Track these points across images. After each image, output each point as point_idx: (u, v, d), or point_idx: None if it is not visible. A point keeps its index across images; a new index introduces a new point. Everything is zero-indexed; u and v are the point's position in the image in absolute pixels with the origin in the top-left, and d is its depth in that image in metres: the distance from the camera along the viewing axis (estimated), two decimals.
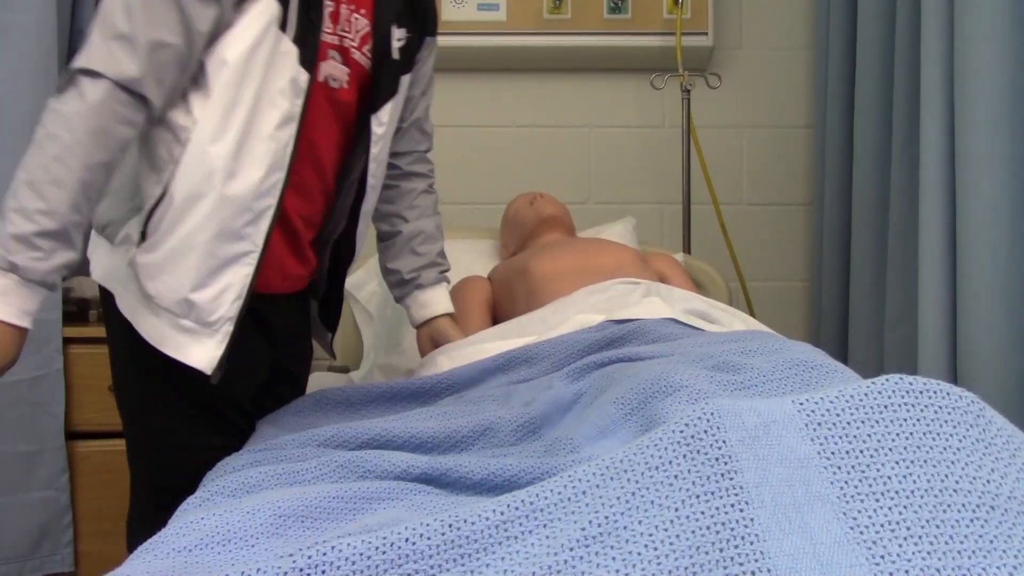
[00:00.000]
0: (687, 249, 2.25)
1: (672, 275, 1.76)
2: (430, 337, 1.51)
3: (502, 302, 1.72)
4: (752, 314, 2.29)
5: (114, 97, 1.02)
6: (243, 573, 0.59)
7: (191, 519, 0.75)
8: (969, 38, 1.49)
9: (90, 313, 1.98)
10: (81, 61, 1.02)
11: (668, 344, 1.21)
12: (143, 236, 1.10)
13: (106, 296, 1.21)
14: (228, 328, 1.12)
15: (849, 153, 2.12)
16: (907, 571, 0.59)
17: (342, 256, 1.38)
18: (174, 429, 1.21)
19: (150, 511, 1.21)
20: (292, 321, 1.36)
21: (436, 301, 1.49)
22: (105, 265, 1.19)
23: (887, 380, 0.71)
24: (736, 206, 2.41)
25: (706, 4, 2.27)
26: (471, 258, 2.04)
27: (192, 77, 1.10)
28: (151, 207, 1.10)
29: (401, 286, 1.50)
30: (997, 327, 1.47)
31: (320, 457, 0.94)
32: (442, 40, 2.26)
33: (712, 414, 0.68)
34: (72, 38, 2.03)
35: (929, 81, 1.61)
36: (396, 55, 1.29)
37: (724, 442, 0.66)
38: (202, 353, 1.11)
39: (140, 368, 1.19)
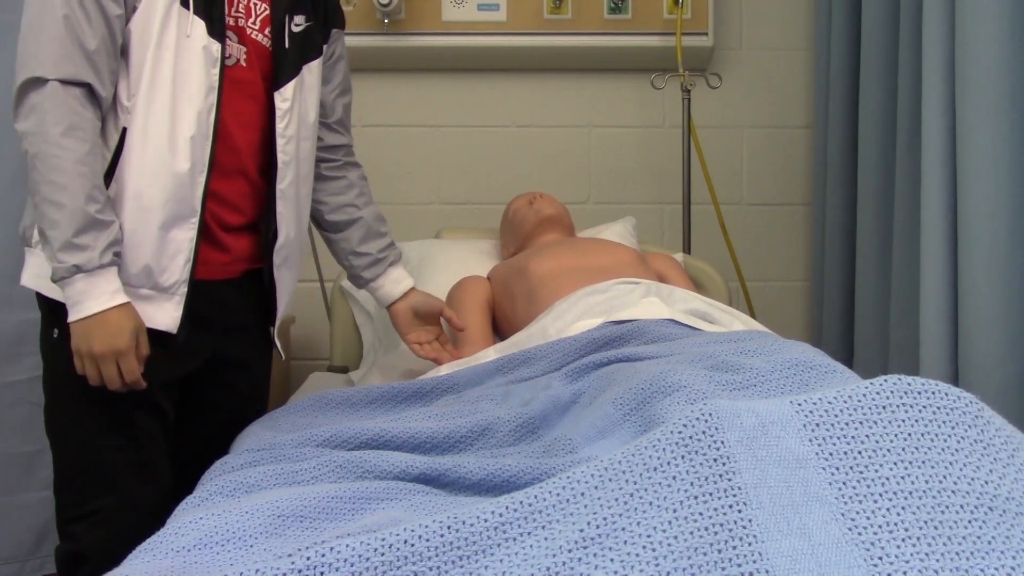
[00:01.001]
0: (687, 249, 2.25)
1: (671, 275, 1.76)
2: (412, 308, 1.54)
3: (501, 302, 1.72)
4: (752, 314, 2.29)
5: (65, 93, 1.11)
6: (241, 574, 0.59)
7: (190, 519, 0.75)
8: (970, 38, 1.49)
9: None
10: (24, 74, 1.11)
11: (667, 344, 1.21)
12: None
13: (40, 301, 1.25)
14: (183, 290, 1.21)
15: (852, 153, 2.12)
16: (905, 572, 0.59)
17: (268, 241, 1.38)
18: (75, 423, 1.24)
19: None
20: (233, 309, 1.37)
21: (405, 276, 1.57)
22: (34, 271, 1.22)
23: (885, 380, 0.71)
24: (736, 206, 2.41)
25: (706, 4, 2.27)
26: (471, 258, 2.04)
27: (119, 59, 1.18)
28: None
29: (374, 266, 1.54)
30: (998, 326, 1.47)
31: (319, 457, 0.94)
32: (442, 40, 2.29)
33: (710, 415, 0.68)
34: None
35: (931, 81, 1.61)
36: (295, 38, 1.36)
37: (722, 443, 0.66)
38: (164, 315, 1.20)
39: (57, 364, 1.22)
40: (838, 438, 0.67)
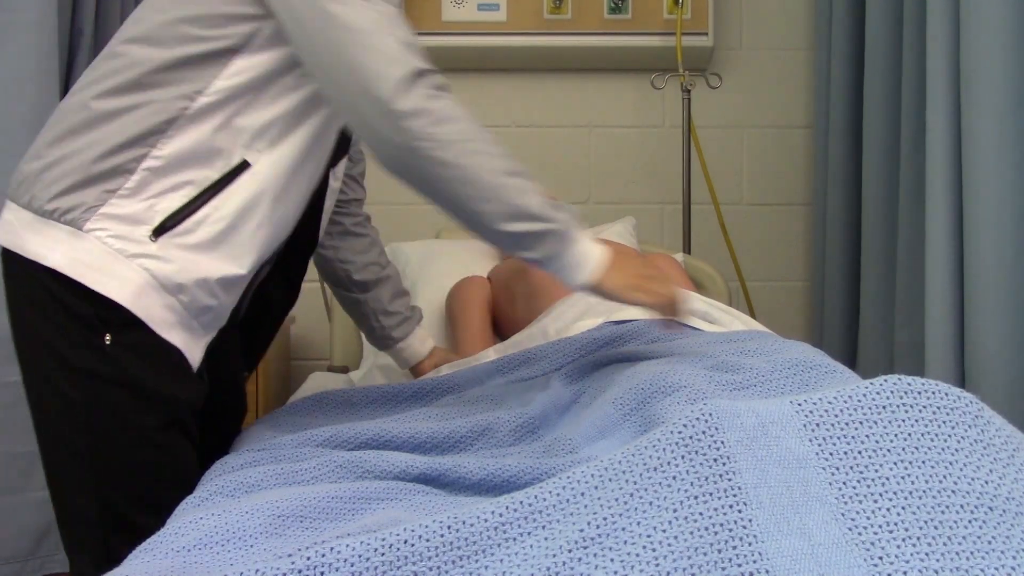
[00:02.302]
0: (687, 249, 2.25)
1: (671, 276, 1.75)
2: (436, 368, 1.51)
3: (501, 303, 1.72)
4: (752, 314, 2.29)
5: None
6: (241, 574, 0.59)
7: (190, 519, 0.75)
8: (975, 36, 1.49)
9: None
10: (412, 66, 1.01)
11: (667, 344, 1.21)
12: (171, 222, 1.04)
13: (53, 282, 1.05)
14: (215, 332, 1.13)
15: (852, 153, 2.12)
16: (905, 572, 0.59)
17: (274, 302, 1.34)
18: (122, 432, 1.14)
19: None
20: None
21: (427, 335, 1.55)
22: (66, 251, 1.03)
23: (886, 380, 0.71)
24: (736, 206, 2.41)
25: (706, 4, 2.27)
26: (471, 258, 2.04)
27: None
28: (196, 198, 1.05)
29: (403, 324, 1.51)
30: (1005, 327, 1.46)
31: (319, 457, 0.94)
32: (442, 40, 2.28)
33: (710, 415, 0.68)
34: (72, 38, 2.03)
35: (935, 81, 1.61)
36: None
37: (722, 443, 0.66)
38: (187, 342, 1.09)
39: (103, 371, 1.07)
40: (838, 438, 0.67)
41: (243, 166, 1.07)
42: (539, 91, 2.42)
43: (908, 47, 1.82)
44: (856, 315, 2.08)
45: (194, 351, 1.10)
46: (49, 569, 1.83)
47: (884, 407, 0.69)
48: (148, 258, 1.03)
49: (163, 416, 1.07)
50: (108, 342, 1.03)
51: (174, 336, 1.06)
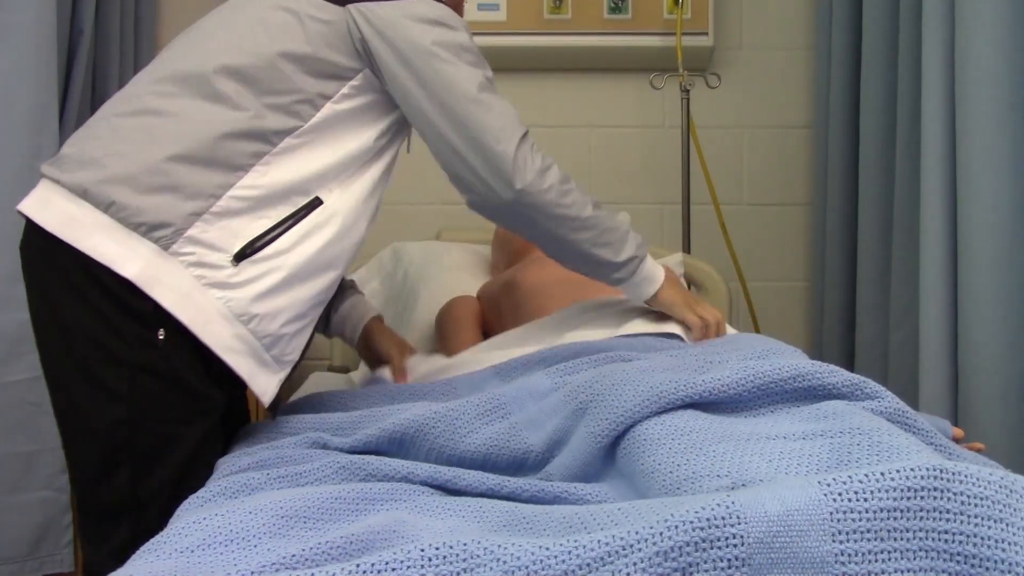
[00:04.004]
0: (687, 249, 2.25)
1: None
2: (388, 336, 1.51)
3: (491, 319, 1.71)
4: (752, 314, 2.29)
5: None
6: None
7: (193, 519, 0.75)
8: (970, 37, 1.49)
9: None
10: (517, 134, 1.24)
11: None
12: (251, 250, 1.11)
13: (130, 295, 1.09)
14: (288, 369, 1.18)
15: (852, 153, 2.12)
16: None
17: None
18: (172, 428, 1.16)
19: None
20: None
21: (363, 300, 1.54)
22: (146, 267, 1.08)
23: (929, 472, 0.67)
24: (736, 206, 2.41)
25: (706, 4, 2.27)
26: (471, 260, 2.04)
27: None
28: (272, 228, 1.12)
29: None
30: (998, 327, 1.47)
31: (322, 459, 0.94)
32: None
33: (732, 502, 0.65)
34: (72, 38, 2.03)
35: (930, 81, 1.61)
36: None
37: (742, 539, 0.63)
38: (268, 384, 1.16)
39: (157, 366, 1.12)
40: (864, 532, 0.64)
41: (315, 202, 1.16)
42: (539, 91, 2.42)
43: (904, 48, 1.82)
44: (854, 315, 2.09)
45: (260, 382, 1.14)
46: (49, 569, 1.83)
47: (918, 489, 0.66)
48: (225, 288, 1.09)
49: (201, 414, 1.12)
50: (161, 338, 1.08)
51: (240, 363, 1.11)
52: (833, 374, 0.96)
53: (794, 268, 2.44)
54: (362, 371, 1.90)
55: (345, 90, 1.18)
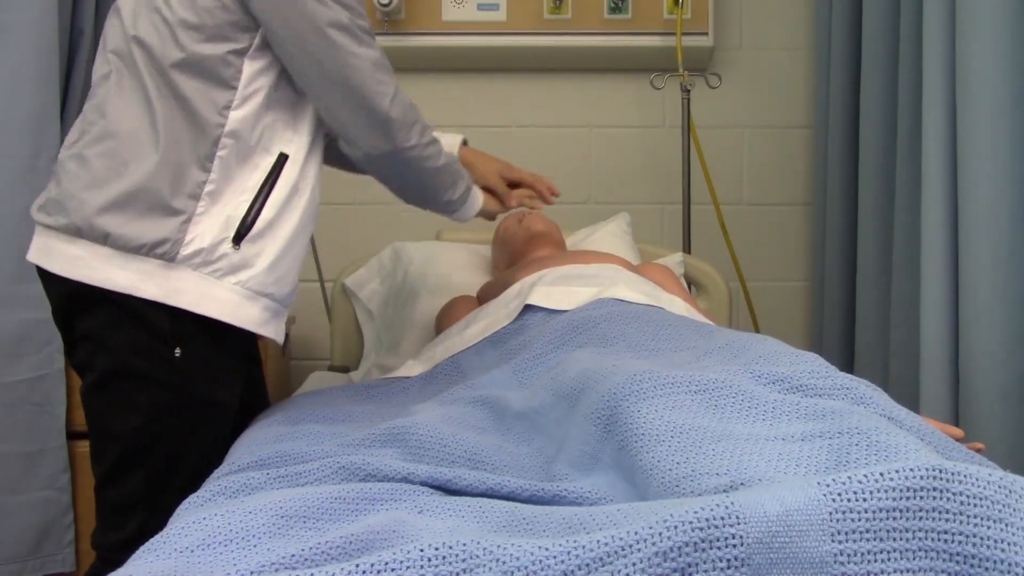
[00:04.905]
0: (687, 249, 2.25)
1: (664, 285, 1.73)
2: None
3: None
4: (752, 314, 2.29)
5: None
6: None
7: (193, 519, 0.75)
8: (971, 37, 1.49)
9: None
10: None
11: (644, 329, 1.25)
12: (246, 229, 1.17)
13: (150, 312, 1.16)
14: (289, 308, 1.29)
15: (852, 153, 2.12)
16: None
17: None
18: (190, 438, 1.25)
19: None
20: None
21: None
22: (161, 283, 1.15)
23: (928, 472, 0.67)
24: (736, 206, 2.41)
25: (706, 4, 2.27)
26: (471, 260, 2.04)
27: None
28: (254, 199, 1.19)
29: None
30: (999, 327, 1.47)
31: (322, 459, 0.94)
32: (442, 40, 2.28)
33: (731, 503, 0.65)
34: (72, 38, 2.03)
35: (931, 81, 1.61)
36: None
37: (741, 539, 0.63)
38: (278, 328, 1.26)
39: (175, 382, 1.20)
40: (863, 532, 0.64)
41: (282, 158, 1.21)
42: (539, 91, 2.42)
43: (904, 47, 1.82)
44: (854, 315, 2.09)
45: (278, 331, 1.26)
46: (50, 569, 1.83)
47: (917, 489, 0.66)
48: (237, 271, 1.17)
49: (211, 423, 1.21)
50: (177, 355, 1.17)
51: (269, 329, 1.23)
52: (825, 378, 0.97)
53: (794, 268, 2.44)
54: (362, 371, 1.91)
55: (255, 47, 1.18)
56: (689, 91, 2.22)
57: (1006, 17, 1.45)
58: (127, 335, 1.15)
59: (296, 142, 1.23)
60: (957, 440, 1.07)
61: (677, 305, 1.46)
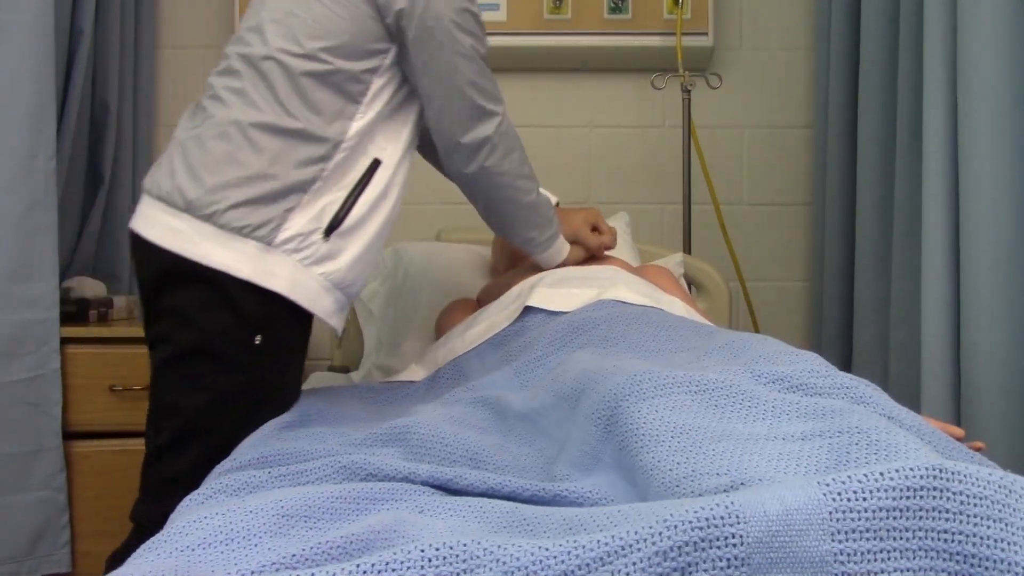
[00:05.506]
0: (687, 249, 2.25)
1: (664, 286, 1.73)
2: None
3: None
4: (752, 314, 2.29)
5: None
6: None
7: (193, 518, 0.75)
8: (971, 37, 1.49)
9: (89, 313, 1.98)
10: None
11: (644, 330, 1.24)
12: (337, 223, 1.25)
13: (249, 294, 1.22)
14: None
15: (852, 153, 2.12)
16: None
17: None
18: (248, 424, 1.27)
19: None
20: None
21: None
22: (258, 265, 1.21)
23: (928, 471, 0.66)
24: (736, 206, 2.41)
25: (706, 4, 2.27)
26: (471, 260, 2.04)
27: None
28: (348, 196, 1.27)
29: None
30: (1001, 327, 1.46)
31: (324, 458, 0.93)
32: None
33: (732, 502, 0.65)
34: (72, 38, 2.03)
35: (931, 81, 1.61)
36: None
37: (741, 538, 0.63)
38: (340, 321, 1.33)
39: (253, 368, 1.25)
40: (863, 532, 0.64)
41: (375, 164, 1.30)
42: (539, 91, 2.42)
43: (904, 47, 1.82)
44: (853, 315, 2.08)
45: (342, 324, 1.34)
46: (47, 569, 1.83)
47: (917, 489, 0.66)
48: (323, 262, 1.25)
49: (271, 412, 1.22)
50: (257, 343, 1.22)
51: (336, 321, 1.31)
52: (825, 377, 0.97)
53: (794, 268, 2.44)
54: (363, 371, 1.90)
55: (385, 66, 1.31)
56: (690, 91, 2.22)
57: (1007, 17, 1.45)
58: (214, 316, 1.20)
59: (390, 150, 1.32)
60: (958, 439, 1.07)
61: (677, 307, 1.46)
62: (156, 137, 2.41)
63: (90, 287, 2.06)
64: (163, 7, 2.41)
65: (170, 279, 1.22)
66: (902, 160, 1.83)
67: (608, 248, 1.66)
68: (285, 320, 1.25)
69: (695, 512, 0.64)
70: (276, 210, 1.21)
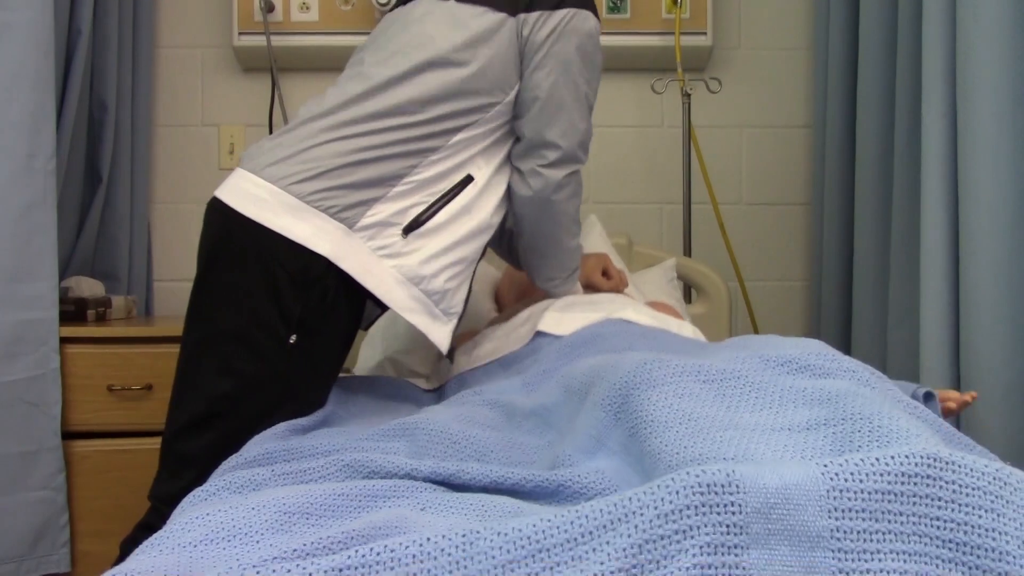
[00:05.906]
0: (687, 249, 2.25)
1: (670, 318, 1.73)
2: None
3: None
4: (751, 314, 2.29)
5: None
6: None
7: (196, 515, 0.75)
8: (970, 38, 1.49)
9: (88, 313, 1.97)
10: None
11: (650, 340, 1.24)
12: (418, 224, 1.29)
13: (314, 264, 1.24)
14: (456, 319, 1.37)
15: (850, 153, 2.12)
16: None
17: None
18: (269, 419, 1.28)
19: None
20: None
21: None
22: (336, 244, 1.25)
23: (923, 459, 0.68)
24: (735, 206, 2.41)
25: (705, 4, 2.27)
26: (481, 274, 2.03)
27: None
28: (433, 203, 1.31)
29: None
30: (1001, 327, 1.47)
31: (328, 455, 0.94)
32: None
33: (732, 471, 0.66)
34: (70, 38, 2.02)
35: (930, 81, 1.61)
36: None
37: (739, 507, 0.65)
38: (442, 335, 1.34)
39: (281, 365, 1.26)
40: (859, 511, 0.65)
41: (467, 179, 1.36)
42: None
43: (903, 46, 1.82)
44: (852, 315, 2.09)
45: (436, 334, 1.33)
46: (46, 569, 1.82)
47: (915, 490, 0.66)
48: (396, 257, 1.28)
49: (294, 410, 1.23)
50: (292, 342, 1.23)
51: (417, 320, 1.31)
52: (832, 360, 0.99)
53: (792, 268, 2.44)
54: (371, 363, 1.90)
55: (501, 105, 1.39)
56: (689, 95, 2.22)
57: (1006, 17, 1.45)
58: (261, 305, 1.23)
59: (484, 170, 1.39)
60: (949, 411, 1.10)
61: (686, 330, 1.48)
62: (154, 137, 2.41)
63: (88, 287, 2.05)
64: (162, 7, 2.41)
65: (228, 253, 1.25)
66: (901, 160, 1.83)
67: (618, 291, 1.68)
68: (329, 322, 1.26)
69: (696, 477, 0.66)
70: (363, 195, 1.26)
